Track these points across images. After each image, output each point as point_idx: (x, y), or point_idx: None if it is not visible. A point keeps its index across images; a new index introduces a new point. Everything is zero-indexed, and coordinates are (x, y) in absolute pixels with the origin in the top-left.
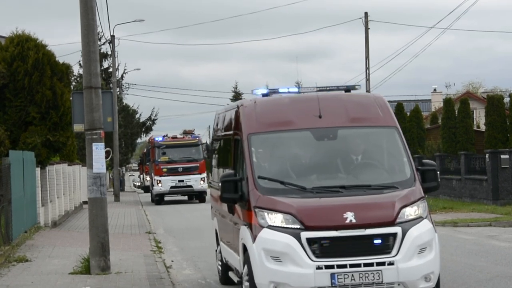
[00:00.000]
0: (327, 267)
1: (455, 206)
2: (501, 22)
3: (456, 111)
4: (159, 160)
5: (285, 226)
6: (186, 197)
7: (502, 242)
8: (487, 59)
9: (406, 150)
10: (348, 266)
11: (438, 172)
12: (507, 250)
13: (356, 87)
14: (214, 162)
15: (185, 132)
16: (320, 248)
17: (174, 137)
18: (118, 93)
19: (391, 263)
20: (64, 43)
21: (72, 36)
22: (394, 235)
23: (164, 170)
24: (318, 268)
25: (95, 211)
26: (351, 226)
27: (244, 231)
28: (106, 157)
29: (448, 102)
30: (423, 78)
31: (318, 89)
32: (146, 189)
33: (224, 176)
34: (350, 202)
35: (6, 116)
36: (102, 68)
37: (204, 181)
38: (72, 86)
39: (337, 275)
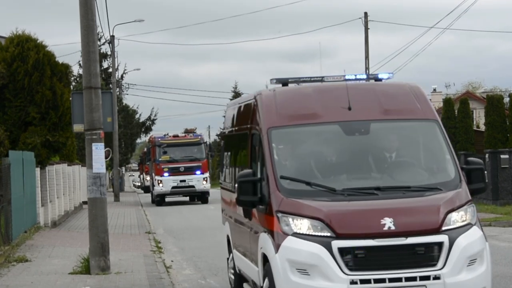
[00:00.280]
0: (362, 281)
1: None
2: (501, 22)
3: (456, 111)
4: (160, 159)
5: (313, 233)
6: (187, 198)
7: (502, 242)
8: (486, 59)
9: (449, 146)
10: (387, 280)
11: (485, 172)
12: (507, 250)
13: (389, 75)
14: (225, 160)
15: (187, 131)
16: (354, 260)
17: (176, 136)
18: (118, 93)
19: (437, 277)
20: (64, 43)
21: (72, 36)
22: (440, 244)
23: (165, 169)
24: (352, 282)
25: (95, 211)
26: (390, 234)
27: (265, 239)
28: (106, 157)
29: (447, 102)
30: (422, 78)
31: (344, 77)
32: (146, 189)
33: (241, 176)
34: (388, 206)
35: (6, 116)
36: (102, 68)
37: (206, 181)
38: (71, 86)
39: None
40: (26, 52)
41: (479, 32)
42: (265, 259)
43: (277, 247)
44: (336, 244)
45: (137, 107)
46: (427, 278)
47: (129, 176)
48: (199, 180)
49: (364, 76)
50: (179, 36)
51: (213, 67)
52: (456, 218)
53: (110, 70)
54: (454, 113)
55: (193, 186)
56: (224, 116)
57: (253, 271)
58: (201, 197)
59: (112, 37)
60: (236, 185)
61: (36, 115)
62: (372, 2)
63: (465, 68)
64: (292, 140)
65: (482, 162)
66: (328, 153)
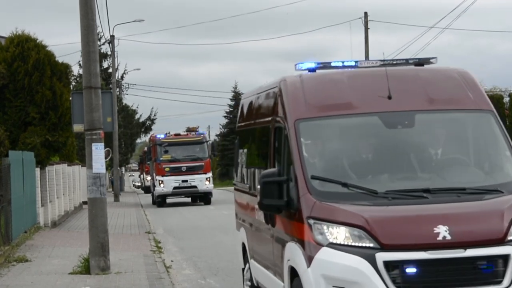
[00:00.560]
0: None
1: None
2: (501, 22)
3: None
4: (161, 158)
5: (353, 244)
6: (189, 199)
7: None
8: (486, 59)
9: (508, 141)
10: None
11: None
12: None
13: (432, 60)
14: (240, 158)
15: (189, 129)
16: (403, 276)
17: (177, 135)
18: (118, 93)
19: None
20: (64, 43)
21: (72, 36)
22: (506, 257)
23: (167, 169)
24: None
25: (94, 211)
26: (445, 245)
27: (293, 250)
28: (105, 157)
29: None
30: None
31: (382, 63)
32: (147, 189)
33: (264, 176)
34: (441, 212)
35: (6, 116)
36: (102, 68)
37: (209, 181)
38: (71, 86)
39: None
40: (26, 52)
41: (479, 32)
42: (294, 273)
43: (309, 260)
44: (381, 257)
45: (137, 107)
46: None
47: (129, 176)
48: (201, 180)
49: (404, 61)
50: (179, 36)
51: (213, 67)
52: None
53: (110, 70)
54: None
55: (195, 187)
56: (239, 109)
57: (277, 286)
58: (203, 198)
59: (112, 37)
60: (258, 186)
61: (36, 115)
62: (373, 2)
63: (465, 68)
64: (324, 134)
65: None
66: (366, 149)
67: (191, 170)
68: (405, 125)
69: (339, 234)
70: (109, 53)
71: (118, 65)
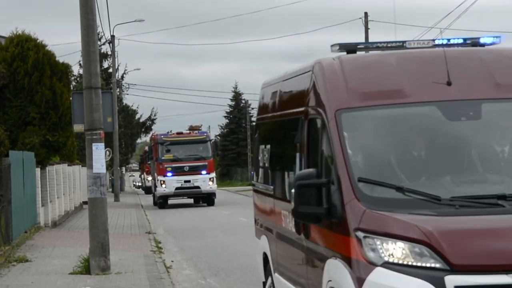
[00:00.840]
0: None
1: None
2: (501, 22)
3: None
4: (162, 158)
5: (415, 264)
6: (192, 201)
7: None
8: None
9: None
10: None
11: None
12: None
13: (495, 40)
14: (261, 156)
15: (192, 128)
16: None
17: (180, 133)
18: (118, 93)
19: None
20: (64, 43)
21: (72, 36)
22: None
23: (169, 169)
24: None
25: (95, 211)
26: None
27: (336, 269)
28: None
29: None
30: None
31: (434, 43)
32: (147, 189)
33: (300, 178)
34: None
35: (6, 116)
36: (102, 68)
37: (213, 181)
38: (71, 86)
39: None
40: (26, 52)
41: (479, 32)
42: None
43: (359, 283)
44: (452, 280)
45: (137, 107)
46: None
47: (129, 176)
48: (205, 181)
49: (461, 41)
50: (179, 36)
51: (213, 67)
52: None
53: (110, 70)
54: None
55: (198, 187)
56: (260, 98)
57: None
58: (207, 199)
59: (113, 37)
60: (293, 190)
61: (36, 115)
62: (373, 2)
63: None
64: (371, 127)
65: None
66: (422, 145)
67: (194, 170)
68: (470, 117)
69: (397, 251)
70: (109, 53)
71: (118, 65)
